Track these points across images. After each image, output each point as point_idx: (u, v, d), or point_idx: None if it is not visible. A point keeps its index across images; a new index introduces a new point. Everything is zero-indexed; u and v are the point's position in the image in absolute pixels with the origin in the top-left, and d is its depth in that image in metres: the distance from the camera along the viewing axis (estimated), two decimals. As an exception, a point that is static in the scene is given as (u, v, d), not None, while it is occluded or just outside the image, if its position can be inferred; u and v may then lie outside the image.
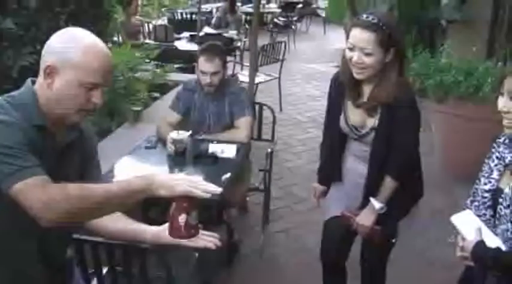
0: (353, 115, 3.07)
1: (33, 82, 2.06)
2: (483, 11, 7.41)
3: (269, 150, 4.75)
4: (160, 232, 2.22)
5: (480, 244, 2.33)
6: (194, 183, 2.02)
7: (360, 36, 2.82)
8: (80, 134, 2.18)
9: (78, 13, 5.50)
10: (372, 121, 3.00)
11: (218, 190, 2.05)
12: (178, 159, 3.92)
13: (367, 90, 2.99)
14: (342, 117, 3.11)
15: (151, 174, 2.02)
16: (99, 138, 4.80)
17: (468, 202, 2.60)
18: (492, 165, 2.50)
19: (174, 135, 3.95)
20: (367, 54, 2.82)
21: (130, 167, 3.93)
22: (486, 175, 2.52)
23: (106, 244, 2.54)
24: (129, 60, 6.56)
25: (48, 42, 2.03)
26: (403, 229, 3.30)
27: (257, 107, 5.10)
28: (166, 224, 2.15)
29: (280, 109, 8.31)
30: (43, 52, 2.02)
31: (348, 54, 2.89)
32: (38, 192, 1.80)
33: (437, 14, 8.40)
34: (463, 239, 2.42)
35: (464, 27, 7.45)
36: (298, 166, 6.42)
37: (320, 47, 14.55)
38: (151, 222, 3.67)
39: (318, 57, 12.92)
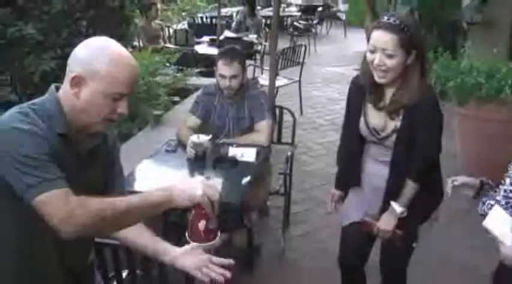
0: (373, 118, 3.04)
1: (57, 88, 2.06)
2: (504, 12, 7.34)
3: (289, 153, 4.75)
4: (176, 258, 2.20)
5: None
6: (210, 185, 2.04)
7: (382, 38, 2.79)
8: (103, 140, 2.19)
9: (99, 18, 5.54)
10: (393, 124, 2.97)
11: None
12: (199, 163, 3.92)
13: (388, 92, 2.96)
14: (361, 120, 3.08)
15: (169, 186, 2.02)
16: (121, 141, 4.84)
17: (492, 202, 2.58)
18: None
19: (195, 138, 3.96)
20: (389, 56, 2.78)
21: (151, 170, 3.95)
22: None
23: (126, 248, 2.55)
24: (150, 64, 6.60)
25: (74, 52, 2.01)
26: (424, 233, 3.27)
27: (277, 110, 5.11)
28: (184, 249, 2.18)
29: (301, 113, 8.31)
30: (69, 61, 2.01)
31: (369, 56, 2.85)
32: (59, 205, 1.81)
33: (458, 16, 8.34)
34: (501, 243, 2.41)
35: (485, 28, 7.38)
36: (319, 169, 6.41)
37: (340, 50, 14.52)
38: (171, 225, 3.72)
39: (338, 61, 12.89)
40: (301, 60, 8.78)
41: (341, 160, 3.39)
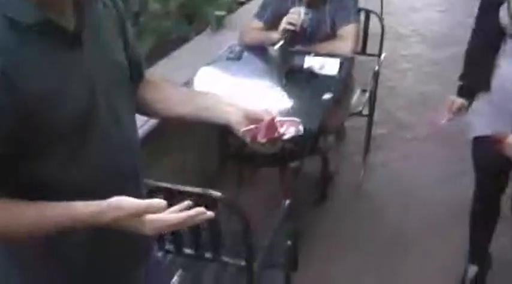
0: None
1: None
2: None
3: (376, 67, 4.07)
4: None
5: None
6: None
7: None
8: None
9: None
10: None
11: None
12: (266, 73, 3.55)
13: None
14: (502, 8, 2.58)
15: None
16: (176, 46, 4.45)
17: None
18: None
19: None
20: None
21: (211, 80, 3.47)
22: None
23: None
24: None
25: None
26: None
27: (362, 15, 4.31)
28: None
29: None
30: None
31: None
32: None
33: None
34: None
35: None
36: (404, 87, 5.67)
37: None
38: (229, 157, 3.57)
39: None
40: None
41: (469, 59, 2.89)
